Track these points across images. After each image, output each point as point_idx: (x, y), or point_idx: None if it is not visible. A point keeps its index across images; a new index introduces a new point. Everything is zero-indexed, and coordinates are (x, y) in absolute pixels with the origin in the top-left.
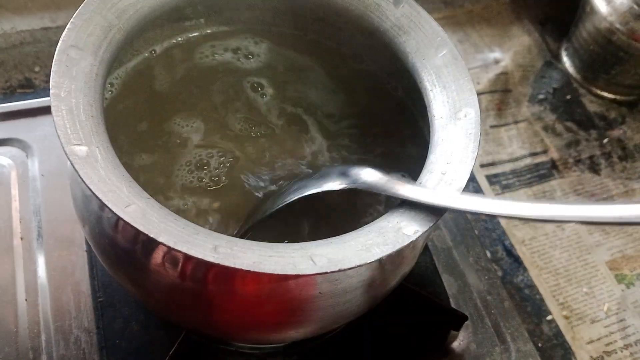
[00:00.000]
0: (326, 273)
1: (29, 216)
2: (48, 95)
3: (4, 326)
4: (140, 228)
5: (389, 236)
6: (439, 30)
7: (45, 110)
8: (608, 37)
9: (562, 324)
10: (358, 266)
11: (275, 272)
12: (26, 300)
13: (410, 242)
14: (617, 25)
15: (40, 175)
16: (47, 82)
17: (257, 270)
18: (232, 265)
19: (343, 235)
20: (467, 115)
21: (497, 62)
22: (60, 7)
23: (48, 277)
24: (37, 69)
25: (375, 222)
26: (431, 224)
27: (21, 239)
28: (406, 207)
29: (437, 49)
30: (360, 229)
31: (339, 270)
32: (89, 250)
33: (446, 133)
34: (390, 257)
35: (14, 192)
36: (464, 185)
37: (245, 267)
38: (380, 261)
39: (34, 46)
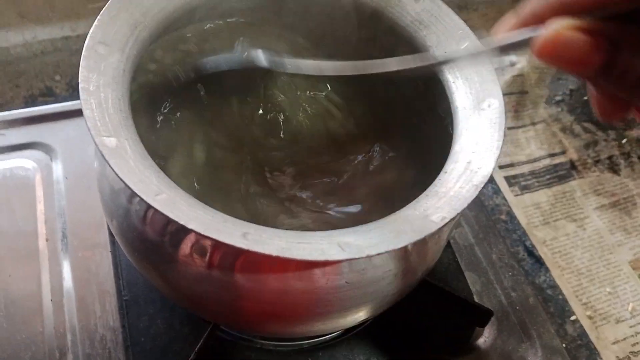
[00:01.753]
0: (354, 259)
1: (53, 218)
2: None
3: (31, 326)
4: (170, 215)
5: (416, 223)
6: (460, 23)
7: (68, 115)
8: None
9: (586, 324)
10: (386, 252)
11: (304, 258)
12: (52, 300)
13: (438, 229)
14: None
15: (64, 177)
16: (68, 90)
17: (285, 256)
18: (261, 251)
19: (369, 223)
20: (491, 105)
21: (512, 64)
22: (80, 17)
23: (73, 278)
24: (57, 77)
25: (401, 210)
26: (458, 211)
27: (46, 240)
28: (432, 195)
29: (459, 42)
30: (386, 217)
31: (367, 257)
32: (114, 250)
33: (470, 123)
34: (416, 246)
35: (39, 194)
36: (490, 172)
37: (274, 253)
38: (406, 250)
39: (54, 55)
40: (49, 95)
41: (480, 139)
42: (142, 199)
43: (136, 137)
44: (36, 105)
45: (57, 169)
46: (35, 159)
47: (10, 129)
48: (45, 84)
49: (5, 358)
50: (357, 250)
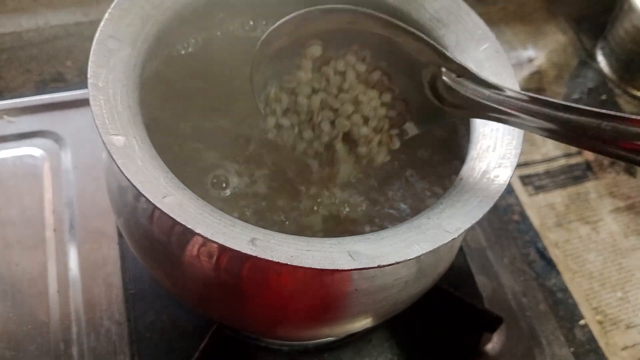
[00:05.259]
0: (364, 269)
1: (61, 208)
2: (79, 89)
3: (36, 317)
4: (178, 219)
5: (429, 233)
6: (480, 23)
7: (79, 103)
8: None
9: (595, 329)
10: (397, 263)
11: (313, 267)
12: (58, 291)
13: (451, 239)
14: None
15: (73, 167)
16: (79, 76)
17: (294, 264)
18: (270, 258)
19: (380, 231)
20: None
21: (530, 60)
22: (93, 3)
23: (80, 269)
24: (69, 63)
25: (415, 218)
26: (473, 221)
27: (54, 230)
28: (447, 204)
29: (478, 43)
30: (399, 225)
31: (378, 267)
32: (121, 243)
33: (487, 129)
34: (428, 255)
35: (47, 183)
36: (507, 181)
37: (282, 261)
38: (418, 259)
39: (66, 40)
40: (60, 81)
41: (497, 145)
42: (149, 201)
43: (144, 135)
44: (47, 91)
45: (66, 158)
46: (44, 147)
47: (20, 117)
48: (57, 70)
49: (10, 348)
50: (368, 260)
